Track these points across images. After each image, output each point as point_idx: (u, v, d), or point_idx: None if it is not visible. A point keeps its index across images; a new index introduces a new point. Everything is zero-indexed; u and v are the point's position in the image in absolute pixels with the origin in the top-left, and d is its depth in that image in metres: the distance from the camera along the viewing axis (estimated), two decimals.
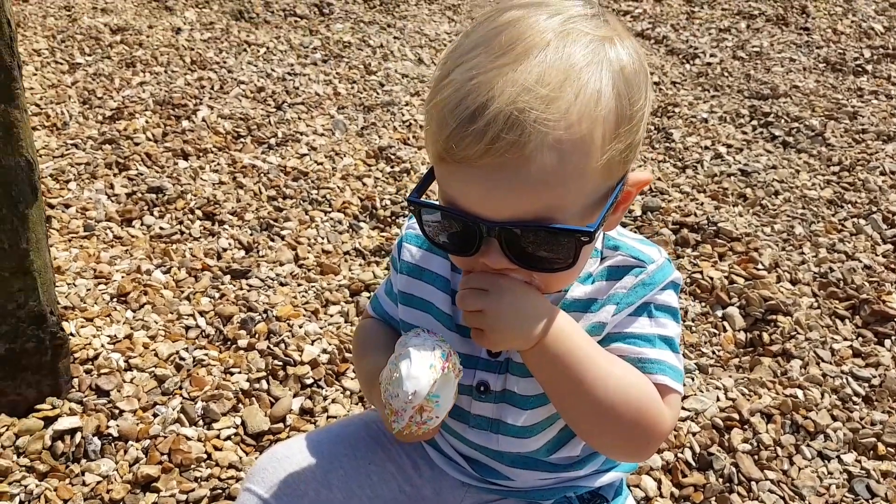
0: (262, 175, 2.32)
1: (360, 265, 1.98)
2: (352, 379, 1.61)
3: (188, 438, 1.43)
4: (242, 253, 2.00)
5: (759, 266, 1.92)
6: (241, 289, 1.85)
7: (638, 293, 0.91)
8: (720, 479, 1.37)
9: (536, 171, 0.72)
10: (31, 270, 1.32)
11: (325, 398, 1.56)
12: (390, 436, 1.10)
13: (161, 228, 2.07)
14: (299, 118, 2.67)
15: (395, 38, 3.38)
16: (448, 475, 1.07)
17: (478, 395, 0.94)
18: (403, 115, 2.69)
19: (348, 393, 1.58)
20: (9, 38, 1.11)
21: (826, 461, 1.42)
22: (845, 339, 1.72)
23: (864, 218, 2.17)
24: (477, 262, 0.81)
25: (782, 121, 2.81)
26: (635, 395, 0.85)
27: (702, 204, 2.26)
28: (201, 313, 1.75)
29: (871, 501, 1.34)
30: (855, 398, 1.55)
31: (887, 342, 1.71)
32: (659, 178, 2.43)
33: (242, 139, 2.55)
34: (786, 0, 4.13)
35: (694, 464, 1.40)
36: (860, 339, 1.72)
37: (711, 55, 3.51)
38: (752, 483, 1.36)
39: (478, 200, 0.76)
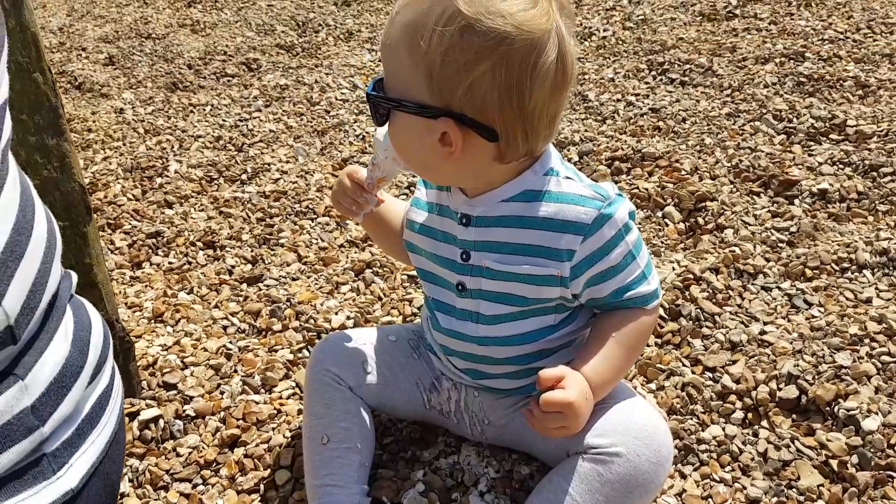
0: (245, 203, 2.59)
1: (356, 252, 2.27)
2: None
3: (256, 403, 1.68)
4: (250, 266, 2.26)
5: (683, 172, 2.30)
6: (260, 289, 2.11)
7: None
8: (690, 321, 1.69)
9: (390, 39, 0.98)
10: (96, 283, 1.56)
11: None
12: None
13: (170, 263, 2.32)
14: (262, 153, 2.95)
15: (326, 73, 3.71)
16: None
17: (459, 293, 1.19)
18: (355, 130, 3.01)
19: None
20: (51, 82, 1.38)
21: (768, 291, 1.76)
22: (763, 206, 2.09)
23: (758, 120, 2.59)
24: None
25: (675, 66, 3.25)
26: (640, 345, 1.17)
27: (625, 141, 2.64)
28: (233, 314, 2.00)
29: (809, 308, 1.69)
30: (780, 244, 1.91)
31: (796, 201, 2.09)
32: (587, 130, 2.80)
33: (216, 181, 2.81)
34: None
35: (667, 317, 1.73)
36: (774, 204, 2.10)
37: (605, 30, 3.97)
38: (716, 317, 1.68)
39: None
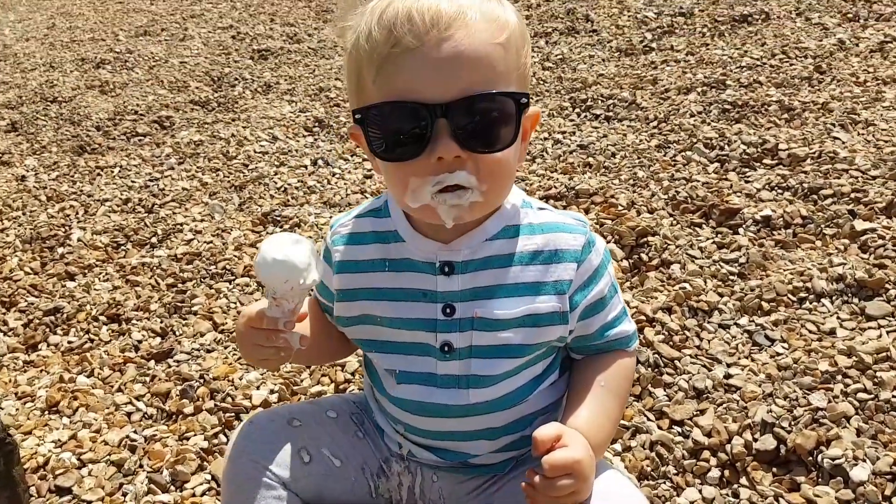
0: (154, 269, 2.35)
1: None
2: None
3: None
4: (159, 339, 2.02)
5: (620, 207, 2.20)
6: (170, 367, 1.87)
7: None
8: (649, 368, 1.56)
9: (479, 39, 0.84)
10: None
11: None
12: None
13: (69, 343, 2.05)
14: (174, 213, 2.72)
15: (243, 127, 3.53)
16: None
17: (443, 356, 1.00)
18: (276, 183, 2.82)
19: None
20: None
21: (726, 329, 1.66)
22: (707, 238, 2.01)
23: (689, 150, 2.54)
24: (430, 161, 0.85)
25: (599, 102, 3.22)
26: (628, 391, 1.09)
27: (557, 179, 2.54)
28: (138, 398, 1.76)
29: (772, 345, 1.58)
30: (731, 277, 1.82)
31: (740, 230, 2.02)
32: (518, 171, 2.70)
33: (123, 247, 2.57)
34: (571, 14, 4.71)
35: None
36: (718, 235, 2.02)
37: None
38: (675, 361, 1.56)
39: (427, 83, 0.83)
